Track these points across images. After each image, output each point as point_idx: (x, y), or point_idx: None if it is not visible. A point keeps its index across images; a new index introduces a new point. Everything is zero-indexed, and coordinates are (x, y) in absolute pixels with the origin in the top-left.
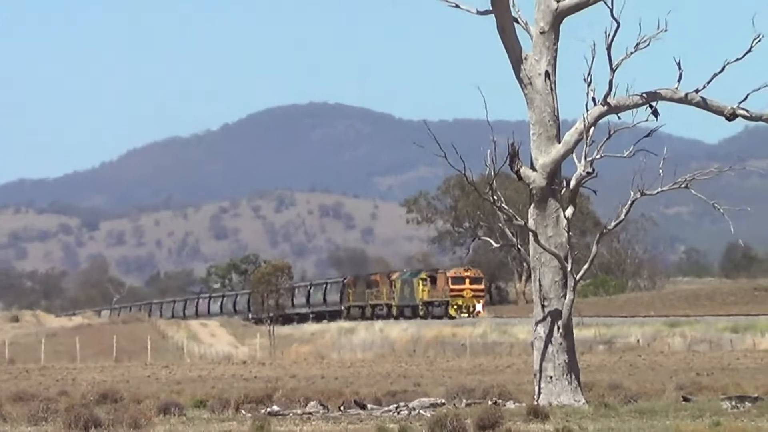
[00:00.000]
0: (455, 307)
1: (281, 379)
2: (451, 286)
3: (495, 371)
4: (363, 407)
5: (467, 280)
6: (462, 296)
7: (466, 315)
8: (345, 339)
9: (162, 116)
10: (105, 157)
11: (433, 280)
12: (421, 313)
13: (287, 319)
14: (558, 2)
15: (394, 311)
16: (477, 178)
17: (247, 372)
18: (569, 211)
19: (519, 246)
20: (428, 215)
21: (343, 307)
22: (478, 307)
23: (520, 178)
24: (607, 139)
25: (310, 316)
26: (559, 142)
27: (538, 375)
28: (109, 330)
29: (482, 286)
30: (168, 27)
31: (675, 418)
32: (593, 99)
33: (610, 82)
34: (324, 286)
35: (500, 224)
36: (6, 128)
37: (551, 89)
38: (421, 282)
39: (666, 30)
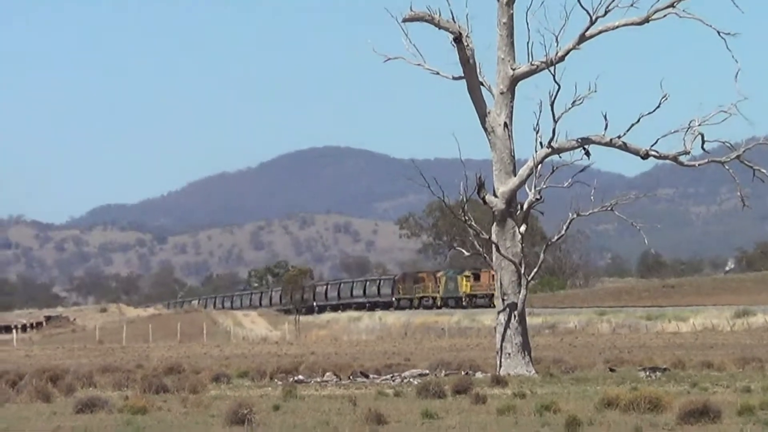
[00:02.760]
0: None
1: (305, 356)
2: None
3: (467, 349)
4: (366, 377)
5: None
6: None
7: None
8: (353, 325)
9: (213, 155)
10: (171, 188)
11: (477, 277)
12: (464, 303)
13: (339, 308)
14: (513, 70)
15: (439, 302)
16: (453, 203)
17: (279, 350)
18: (523, 228)
19: (485, 254)
20: (416, 231)
21: (394, 299)
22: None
23: (485, 202)
24: (551, 174)
25: (366, 305)
26: (515, 176)
27: (499, 352)
28: (174, 318)
29: None
30: (211, 82)
31: (603, 384)
32: (540, 143)
33: (553, 130)
34: (378, 281)
35: (471, 238)
36: (95, 163)
37: (509, 136)
38: (464, 278)
39: (596, 91)
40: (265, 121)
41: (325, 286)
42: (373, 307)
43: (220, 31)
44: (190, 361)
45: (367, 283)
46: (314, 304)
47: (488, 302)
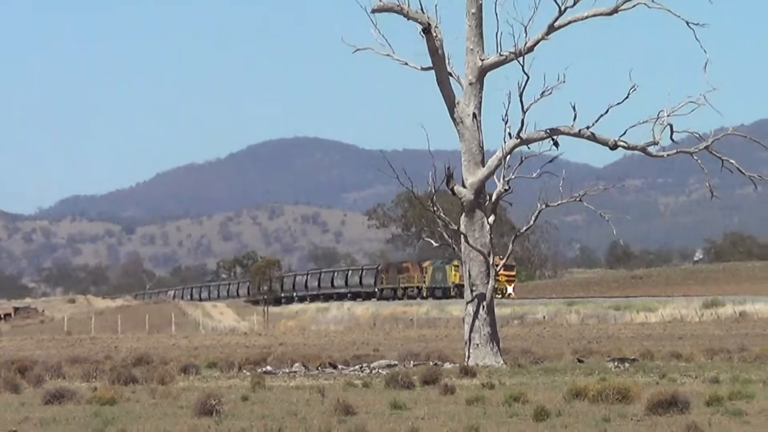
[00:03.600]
0: None
1: (273, 346)
2: None
3: (435, 340)
4: (335, 367)
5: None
6: (497, 280)
7: (500, 296)
8: (321, 315)
9: (182, 146)
10: (140, 179)
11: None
12: (452, 293)
13: (320, 298)
14: (482, 60)
15: (425, 292)
16: (421, 193)
17: (247, 341)
18: (491, 218)
19: (453, 245)
20: (384, 222)
21: (376, 289)
22: (509, 289)
23: (454, 193)
24: (519, 164)
25: (348, 295)
26: (484, 167)
27: (468, 342)
28: (142, 309)
29: (513, 272)
30: (179, 74)
31: (572, 375)
32: (509, 134)
33: (522, 121)
34: (360, 271)
35: (439, 229)
36: (64, 154)
37: (478, 126)
38: (454, 268)
39: (564, 81)
40: (235, 112)
41: (305, 276)
42: (354, 297)
43: (189, 20)
44: (158, 352)
45: (349, 272)
46: (294, 294)
47: None
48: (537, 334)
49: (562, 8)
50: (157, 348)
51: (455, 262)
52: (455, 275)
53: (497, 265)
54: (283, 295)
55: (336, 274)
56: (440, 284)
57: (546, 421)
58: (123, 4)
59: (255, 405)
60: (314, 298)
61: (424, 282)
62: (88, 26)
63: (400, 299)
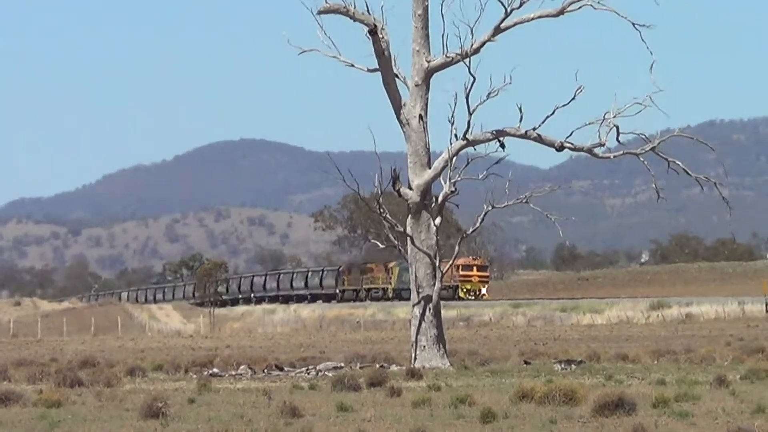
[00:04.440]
0: (464, 290)
1: (219, 349)
2: (461, 273)
3: (382, 342)
4: (281, 369)
5: (475, 268)
6: (470, 281)
7: (473, 298)
8: (267, 318)
9: (128, 148)
10: (86, 181)
11: (448, 267)
12: None
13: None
14: (428, 62)
15: (390, 293)
16: (368, 195)
17: (194, 343)
18: (437, 220)
19: (399, 247)
20: (331, 224)
21: (338, 291)
22: (483, 290)
23: (400, 195)
24: (466, 166)
25: (308, 297)
26: (430, 168)
27: (414, 345)
28: (88, 312)
29: (487, 273)
30: (125, 76)
31: (518, 376)
32: (455, 135)
33: (468, 122)
34: (321, 272)
35: (385, 230)
36: (10, 157)
37: (424, 128)
38: None
39: (510, 83)
40: (181, 114)
41: (263, 277)
42: (315, 299)
43: (135, 21)
44: (104, 354)
45: (309, 273)
46: (252, 295)
47: (452, 294)
48: (483, 336)
49: (509, 10)
50: (103, 350)
51: None
52: None
53: (473, 266)
54: (240, 296)
55: (295, 275)
56: (407, 285)
57: (492, 423)
58: (71, 3)
59: (201, 407)
60: (273, 300)
61: (390, 283)
62: (32, 25)
63: (362, 301)
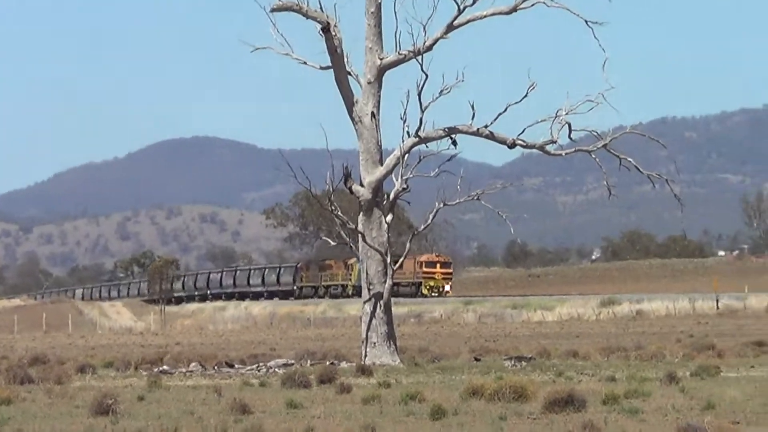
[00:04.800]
0: (428, 287)
1: (170, 346)
2: (424, 269)
3: (332, 339)
4: (232, 366)
5: (438, 264)
6: (434, 278)
7: (437, 294)
8: (218, 315)
9: (80, 146)
10: (38, 179)
11: (399, 264)
12: None
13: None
14: (381, 59)
15: (350, 291)
16: (319, 192)
17: (144, 340)
18: (389, 217)
19: (351, 244)
20: (282, 221)
21: (295, 287)
22: (447, 287)
23: (352, 192)
24: (418, 163)
25: (264, 294)
26: (382, 165)
27: (364, 341)
28: (39, 309)
29: (450, 270)
30: (78, 72)
31: (469, 373)
32: (407, 132)
33: (420, 119)
34: (278, 269)
35: (337, 228)
36: None
37: (376, 125)
38: None
39: (463, 80)
40: (133, 112)
41: (219, 274)
42: (271, 296)
43: (87, 16)
44: (55, 351)
45: (266, 270)
46: (208, 292)
47: (415, 290)
48: (434, 332)
49: (461, 7)
50: (54, 347)
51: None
52: None
53: (436, 262)
54: (197, 293)
55: (252, 272)
56: None
57: (442, 420)
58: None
59: (151, 404)
60: (230, 297)
61: (350, 280)
62: None
63: (321, 297)
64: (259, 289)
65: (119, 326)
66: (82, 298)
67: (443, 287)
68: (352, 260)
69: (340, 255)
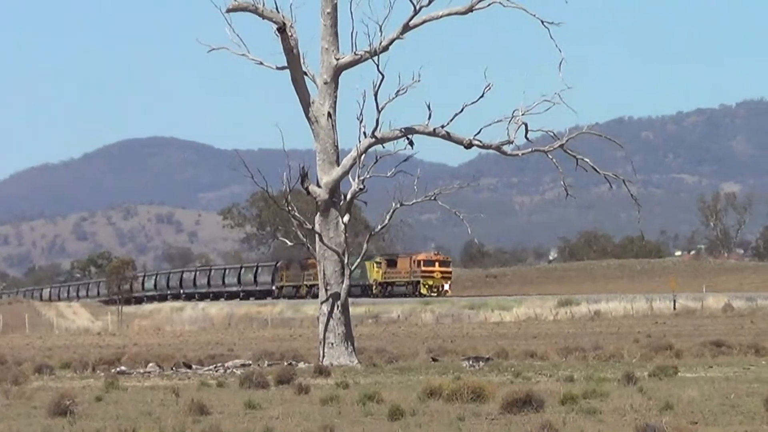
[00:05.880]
0: (426, 286)
1: (127, 346)
2: (423, 268)
3: (290, 339)
4: (189, 367)
5: (437, 263)
6: (432, 277)
7: (436, 294)
8: (176, 315)
9: (37, 147)
10: None
11: (393, 263)
12: (375, 291)
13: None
14: (337, 59)
15: None
16: (276, 193)
17: (101, 341)
18: (346, 217)
19: (308, 245)
20: (239, 222)
21: (275, 287)
22: (446, 286)
23: (308, 193)
24: (374, 164)
25: (240, 294)
26: (339, 166)
27: (322, 342)
28: None
29: (450, 269)
30: (33, 74)
31: (426, 373)
32: (364, 133)
33: (377, 119)
34: (255, 268)
35: (294, 228)
36: None
37: (332, 125)
38: (375, 265)
39: (419, 80)
40: (90, 112)
41: (193, 273)
42: (248, 296)
43: (44, 18)
44: (12, 352)
45: (242, 269)
46: (181, 291)
47: (412, 290)
48: (392, 333)
49: (417, 7)
50: (11, 348)
51: (377, 259)
52: (377, 272)
53: (435, 261)
54: (169, 293)
55: (228, 271)
56: (358, 282)
57: (401, 421)
58: None
59: (109, 405)
60: (203, 297)
61: None
62: None
63: (302, 298)
64: (234, 288)
65: (76, 327)
66: (39, 298)
67: (442, 286)
68: None
69: (359, 251)
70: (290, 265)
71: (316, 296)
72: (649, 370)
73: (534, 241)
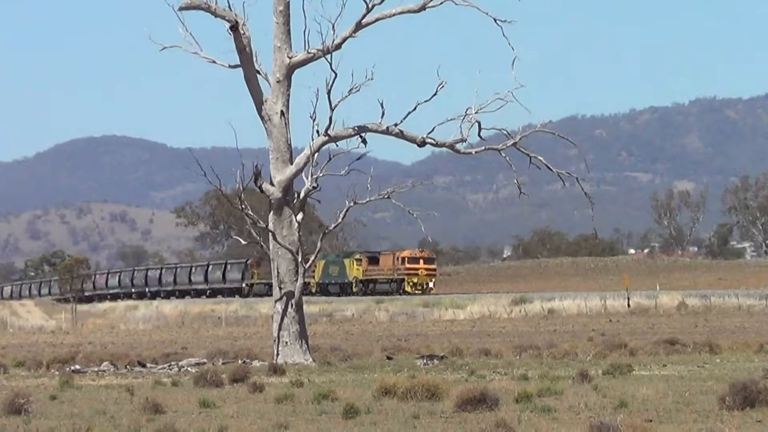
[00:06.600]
0: (411, 284)
1: (81, 345)
2: (407, 266)
3: (244, 338)
4: (144, 366)
5: (421, 261)
6: (417, 274)
7: (420, 292)
8: (130, 314)
9: None
10: None
11: (375, 261)
12: (355, 289)
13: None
14: (290, 58)
15: (314, 288)
16: (230, 191)
17: (55, 340)
18: (300, 216)
19: (262, 243)
20: (192, 220)
21: (245, 284)
22: (431, 284)
23: (262, 191)
24: (328, 162)
25: (208, 292)
26: (292, 164)
27: (276, 340)
28: None
29: (434, 266)
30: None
31: (381, 372)
32: (317, 131)
33: (330, 118)
34: (223, 265)
35: (248, 227)
36: None
37: (286, 124)
38: (354, 262)
39: (372, 79)
40: (42, 111)
41: (158, 271)
42: (215, 294)
43: None
44: None
45: (210, 267)
46: (146, 289)
47: (396, 287)
48: (346, 331)
49: (370, 5)
50: None
51: (357, 256)
52: (358, 269)
53: (419, 258)
54: (133, 291)
55: (194, 269)
56: (336, 279)
57: (355, 419)
58: None
59: (64, 404)
60: (169, 295)
61: (313, 277)
62: None
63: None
64: (201, 286)
65: (30, 325)
66: (1, 297)
67: (427, 284)
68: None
69: (312, 250)
70: (261, 262)
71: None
72: (604, 369)
73: (488, 240)
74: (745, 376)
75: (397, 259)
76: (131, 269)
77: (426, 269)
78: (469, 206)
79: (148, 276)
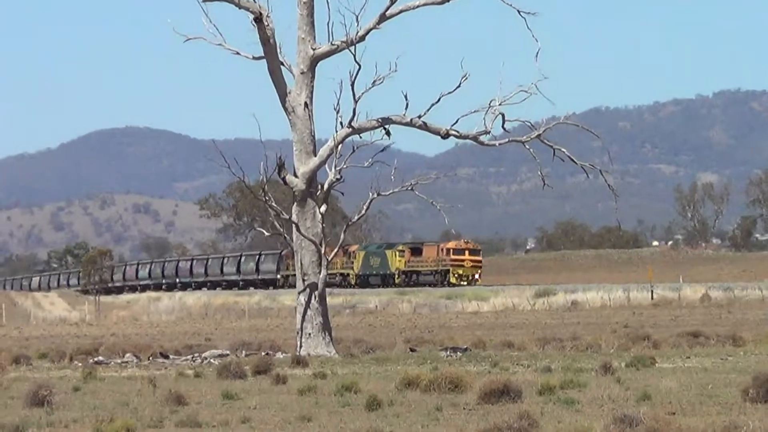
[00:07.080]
0: (456, 276)
1: (104, 337)
2: (453, 257)
3: (267, 330)
4: (167, 357)
5: (467, 252)
6: (462, 266)
7: (466, 283)
8: (153, 305)
9: (13, 136)
10: None
11: (418, 252)
12: (398, 280)
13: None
14: (314, 49)
15: (353, 280)
16: (253, 183)
17: (79, 331)
18: (323, 208)
19: (285, 235)
20: (216, 212)
21: (280, 276)
22: (477, 276)
23: (285, 183)
24: (351, 154)
25: (240, 284)
26: (315, 156)
27: (300, 332)
28: None
29: (480, 258)
30: (9, 64)
31: (404, 364)
32: (341, 123)
33: (354, 110)
34: (257, 256)
35: (271, 218)
36: None
37: (309, 116)
38: (397, 253)
39: (396, 71)
40: (66, 102)
41: (189, 262)
42: (248, 285)
43: (17, 9)
44: None
45: (243, 258)
46: (177, 280)
47: (440, 279)
48: (369, 323)
49: None
50: None
51: (399, 247)
52: (400, 261)
53: (465, 250)
54: (164, 282)
55: (227, 260)
56: (378, 271)
57: (378, 411)
58: None
59: (87, 395)
60: (200, 286)
61: (353, 268)
62: None
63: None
64: (233, 277)
65: (53, 317)
66: (16, 288)
67: (473, 275)
68: (354, 247)
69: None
70: None
71: (329, 285)
72: (627, 361)
73: (511, 232)
74: None
75: (442, 250)
76: (162, 260)
77: (471, 260)
78: (493, 198)
79: (179, 267)
